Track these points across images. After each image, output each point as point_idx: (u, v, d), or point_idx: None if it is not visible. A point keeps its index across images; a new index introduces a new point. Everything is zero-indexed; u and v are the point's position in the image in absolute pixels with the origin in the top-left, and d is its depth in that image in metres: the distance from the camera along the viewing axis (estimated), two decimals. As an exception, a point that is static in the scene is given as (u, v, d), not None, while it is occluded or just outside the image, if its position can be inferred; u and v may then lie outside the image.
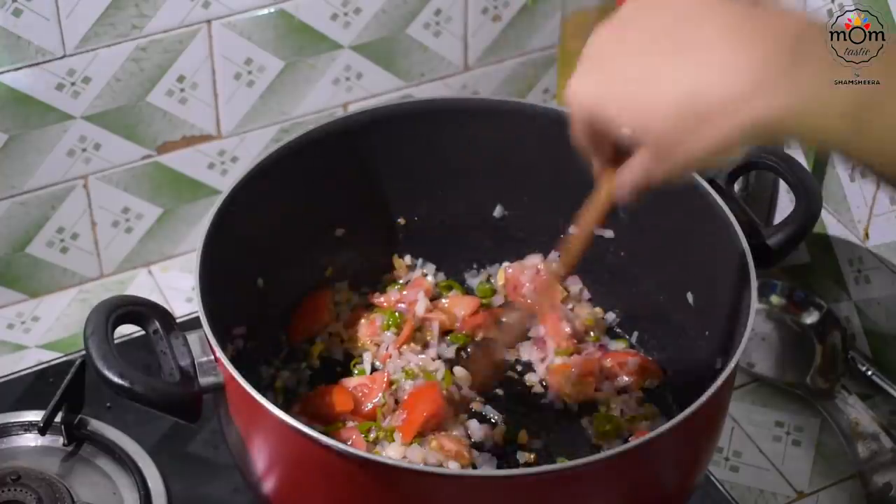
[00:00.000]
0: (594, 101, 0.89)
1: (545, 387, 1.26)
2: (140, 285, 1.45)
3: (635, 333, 1.30)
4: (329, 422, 1.19)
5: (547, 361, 1.26)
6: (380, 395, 1.20)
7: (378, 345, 1.27)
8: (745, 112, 0.81)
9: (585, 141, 0.95)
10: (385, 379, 1.22)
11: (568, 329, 1.27)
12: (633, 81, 0.86)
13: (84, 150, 1.35)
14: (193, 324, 1.05)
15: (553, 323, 1.28)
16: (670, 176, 0.90)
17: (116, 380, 1.00)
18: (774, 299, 1.39)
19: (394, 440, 1.17)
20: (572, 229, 1.04)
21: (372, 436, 1.18)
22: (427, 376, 1.22)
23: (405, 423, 1.17)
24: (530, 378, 1.27)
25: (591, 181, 1.25)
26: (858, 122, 0.79)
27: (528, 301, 1.30)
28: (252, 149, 1.44)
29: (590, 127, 0.93)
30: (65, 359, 1.35)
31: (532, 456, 1.19)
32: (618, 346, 1.29)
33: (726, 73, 0.81)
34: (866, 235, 1.32)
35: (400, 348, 1.25)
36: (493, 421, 1.21)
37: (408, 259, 1.34)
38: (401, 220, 1.32)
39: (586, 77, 0.90)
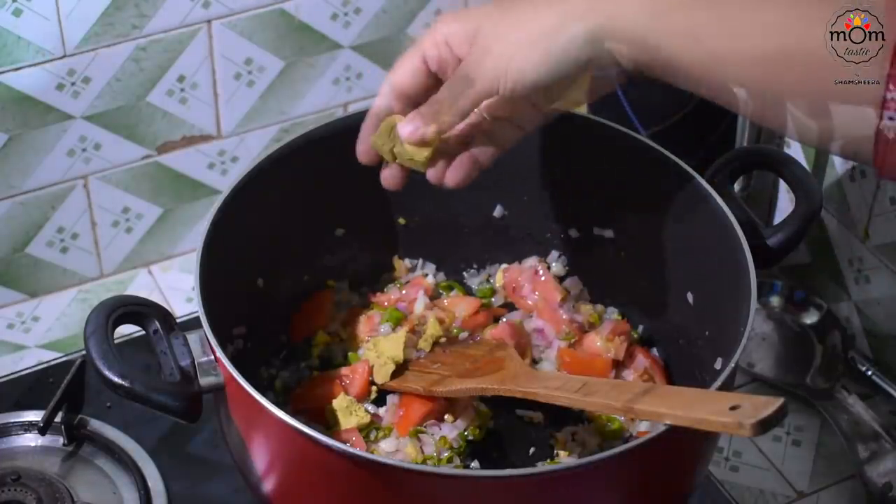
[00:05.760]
0: (449, 26, 1.03)
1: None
2: (140, 285, 1.45)
3: (637, 329, 1.30)
4: (322, 413, 1.19)
5: (553, 348, 1.26)
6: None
7: (376, 340, 1.27)
8: (564, 33, 0.97)
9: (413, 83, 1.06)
10: (367, 367, 1.22)
11: (566, 316, 1.27)
12: (487, 17, 1.01)
13: (84, 150, 1.35)
14: (193, 324, 1.05)
15: (549, 314, 1.28)
16: (501, 103, 1.06)
17: (116, 380, 1.00)
18: (774, 299, 1.39)
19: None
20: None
21: (372, 436, 1.18)
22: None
23: (402, 420, 1.18)
24: (542, 367, 1.27)
25: (590, 181, 1.26)
26: (656, 12, 0.94)
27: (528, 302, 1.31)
28: (252, 149, 1.44)
29: (424, 62, 1.05)
30: (65, 359, 1.35)
31: (538, 414, 1.21)
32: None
33: (555, 8, 0.99)
34: (866, 235, 1.32)
35: None
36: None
37: (407, 262, 1.35)
38: (401, 220, 1.32)
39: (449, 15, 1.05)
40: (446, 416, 1.19)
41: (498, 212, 1.32)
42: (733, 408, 0.90)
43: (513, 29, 1.00)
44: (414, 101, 1.06)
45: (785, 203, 1.44)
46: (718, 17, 0.92)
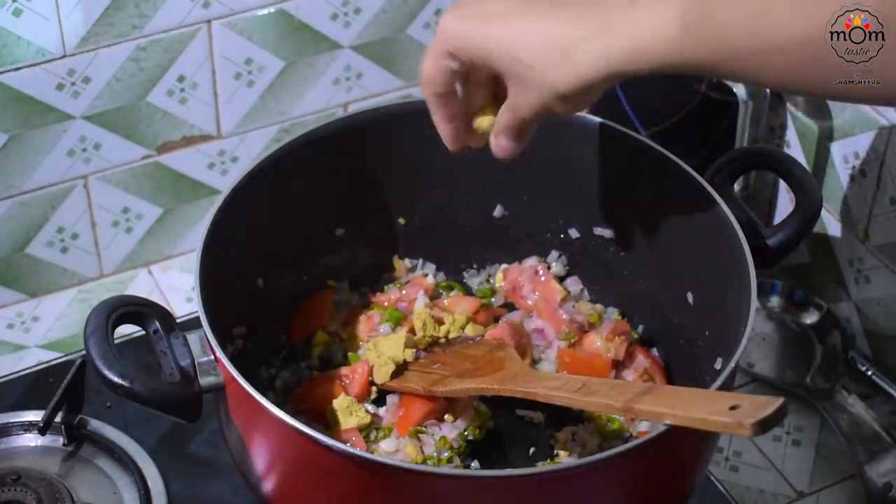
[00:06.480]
0: (466, 32, 0.98)
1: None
2: (140, 285, 1.45)
3: (637, 329, 1.30)
4: (322, 413, 1.19)
5: (553, 348, 1.26)
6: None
7: (376, 340, 1.27)
8: (597, 48, 0.94)
9: (444, 81, 1.02)
10: (367, 367, 1.22)
11: (566, 316, 1.27)
12: (505, 17, 0.97)
13: (84, 150, 1.35)
14: (193, 324, 1.05)
15: (549, 314, 1.28)
16: (536, 111, 0.99)
17: (116, 380, 1.00)
18: (774, 299, 1.39)
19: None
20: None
21: (372, 436, 1.18)
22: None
23: (402, 420, 1.18)
24: (542, 367, 1.27)
25: (590, 181, 1.26)
26: (690, 29, 0.91)
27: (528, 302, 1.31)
28: (252, 149, 1.44)
29: (453, 61, 1.00)
30: (65, 359, 1.35)
31: (538, 414, 1.22)
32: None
33: (582, 20, 0.95)
34: (866, 235, 1.32)
35: None
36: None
37: (408, 262, 1.34)
38: (401, 220, 1.32)
39: (461, 11, 0.99)
40: (446, 416, 1.19)
41: (498, 212, 1.32)
42: (733, 408, 0.90)
43: (537, 39, 0.96)
44: (448, 98, 1.04)
45: (785, 203, 1.44)
46: (743, 21, 0.90)
